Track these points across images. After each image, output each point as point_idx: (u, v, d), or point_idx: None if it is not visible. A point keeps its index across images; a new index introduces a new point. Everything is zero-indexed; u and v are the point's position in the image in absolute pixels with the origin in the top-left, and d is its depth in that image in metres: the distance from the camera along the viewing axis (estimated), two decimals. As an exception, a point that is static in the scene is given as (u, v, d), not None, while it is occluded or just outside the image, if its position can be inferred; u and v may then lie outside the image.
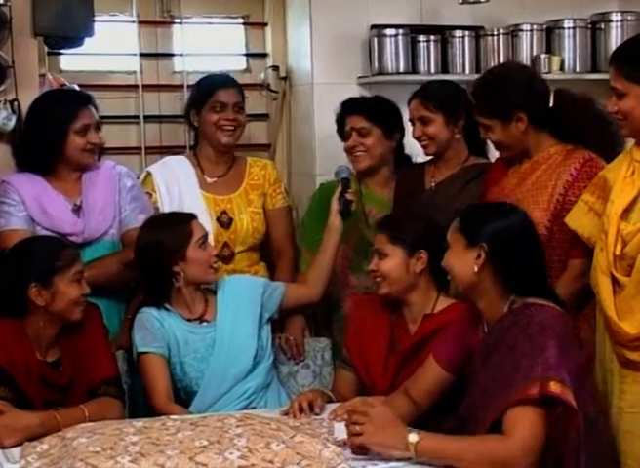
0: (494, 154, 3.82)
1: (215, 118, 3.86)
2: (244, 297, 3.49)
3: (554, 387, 2.55)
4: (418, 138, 3.79)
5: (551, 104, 3.32)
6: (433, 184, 3.82)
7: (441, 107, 3.72)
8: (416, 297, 3.27)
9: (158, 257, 3.34)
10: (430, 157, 3.87)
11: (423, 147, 3.80)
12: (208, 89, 3.88)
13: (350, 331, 3.42)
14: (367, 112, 3.91)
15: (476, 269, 2.77)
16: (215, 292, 3.50)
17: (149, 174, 3.92)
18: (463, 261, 2.80)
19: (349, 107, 3.98)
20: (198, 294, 3.45)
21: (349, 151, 3.94)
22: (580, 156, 3.27)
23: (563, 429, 2.60)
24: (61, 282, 3.08)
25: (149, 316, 3.37)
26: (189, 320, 3.42)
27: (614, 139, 3.25)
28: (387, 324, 3.32)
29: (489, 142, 3.82)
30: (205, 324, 3.44)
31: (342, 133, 3.99)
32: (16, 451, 2.75)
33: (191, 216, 3.43)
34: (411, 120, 3.82)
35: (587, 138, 3.31)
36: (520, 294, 2.76)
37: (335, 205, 3.63)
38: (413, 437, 2.56)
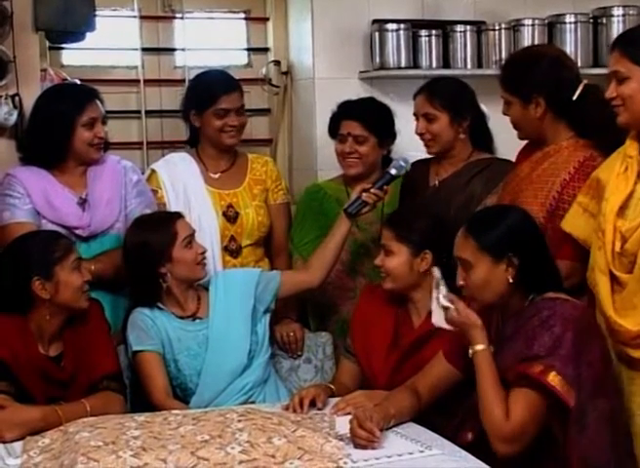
0: (500, 152, 3.83)
1: (219, 124, 3.84)
2: (236, 292, 3.48)
3: (552, 378, 2.61)
4: (420, 135, 3.76)
5: (576, 96, 3.25)
6: (437, 182, 3.80)
7: (447, 106, 3.68)
8: (420, 295, 3.29)
9: (144, 259, 3.35)
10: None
11: (426, 146, 3.77)
12: (211, 95, 3.83)
13: (356, 319, 3.43)
14: (365, 120, 3.85)
15: (511, 280, 2.77)
16: (208, 289, 3.50)
17: (153, 171, 3.91)
18: (494, 276, 2.78)
19: (347, 111, 3.91)
20: (190, 292, 3.45)
21: (343, 155, 3.89)
22: (581, 155, 3.22)
23: (551, 422, 2.67)
24: (62, 271, 3.09)
25: (141, 315, 3.38)
26: (182, 317, 3.43)
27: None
28: (393, 317, 3.34)
29: (495, 139, 3.84)
30: (198, 321, 3.44)
31: (334, 132, 3.95)
32: (17, 446, 2.76)
33: (176, 216, 3.43)
34: (415, 115, 3.78)
35: (605, 137, 3.22)
36: (539, 292, 2.79)
37: (354, 193, 3.58)
38: (480, 346, 2.73)
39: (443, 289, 2.83)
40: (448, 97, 3.70)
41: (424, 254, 3.25)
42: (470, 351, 2.75)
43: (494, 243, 2.77)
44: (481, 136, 3.79)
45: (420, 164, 3.90)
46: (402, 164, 3.60)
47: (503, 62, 3.53)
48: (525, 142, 3.51)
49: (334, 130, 3.95)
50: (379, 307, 3.37)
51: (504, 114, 3.38)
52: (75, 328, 3.18)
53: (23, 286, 3.07)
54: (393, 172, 3.58)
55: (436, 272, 2.86)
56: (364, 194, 3.53)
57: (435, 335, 3.16)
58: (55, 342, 3.15)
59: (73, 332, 3.17)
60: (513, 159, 3.59)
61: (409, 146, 3.99)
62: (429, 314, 3.24)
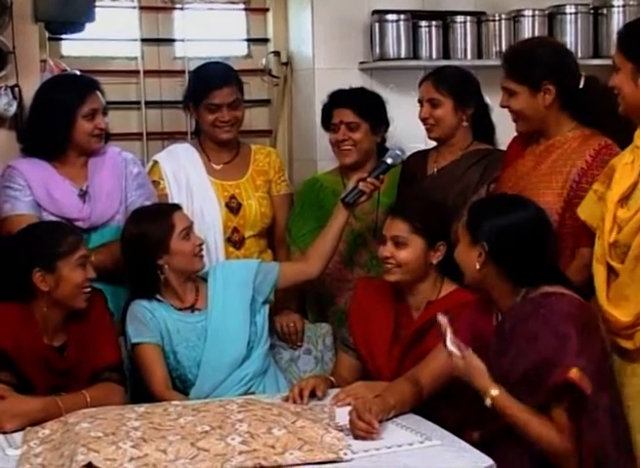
0: (501, 143, 3.83)
1: (211, 119, 3.84)
2: (235, 283, 3.48)
3: (573, 373, 2.59)
4: (423, 120, 3.77)
5: (581, 86, 3.28)
6: (435, 170, 3.81)
7: (452, 92, 3.71)
8: (424, 286, 3.28)
9: (142, 251, 3.35)
10: (433, 143, 3.86)
11: (427, 130, 3.78)
12: (202, 89, 3.84)
13: (354, 314, 3.42)
14: (356, 106, 3.88)
15: (478, 266, 2.79)
16: (207, 280, 3.50)
17: (156, 162, 3.92)
18: (468, 257, 2.84)
19: (338, 100, 3.95)
20: (188, 284, 3.45)
21: (337, 144, 3.91)
22: (595, 143, 3.22)
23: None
24: (65, 267, 3.09)
25: (140, 307, 3.38)
26: (180, 309, 3.43)
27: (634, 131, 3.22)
28: (392, 310, 3.32)
29: (497, 130, 3.84)
30: (196, 312, 3.44)
31: (327, 124, 3.98)
32: (17, 436, 2.76)
33: (174, 208, 3.43)
34: (420, 101, 3.80)
35: (609, 127, 3.26)
36: (531, 286, 2.78)
37: (351, 182, 3.58)
38: (494, 391, 2.65)
39: (449, 333, 2.77)
40: (453, 83, 3.73)
41: (439, 246, 3.24)
42: (488, 401, 2.67)
43: (475, 225, 2.81)
44: (483, 127, 3.80)
45: (418, 154, 3.92)
46: (398, 153, 3.61)
47: (506, 53, 3.49)
48: (513, 136, 3.53)
49: (326, 121, 3.98)
50: (376, 300, 3.36)
51: (503, 106, 3.37)
52: (79, 318, 3.18)
53: (25, 276, 3.07)
54: (389, 161, 3.59)
55: (442, 319, 2.79)
56: (361, 183, 3.53)
57: (436, 325, 3.16)
58: (58, 333, 3.16)
59: (77, 324, 3.18)
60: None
61: (409, 137, 4.00)
62: (428, 304, 3.25)
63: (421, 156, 3.89)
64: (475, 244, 2.80)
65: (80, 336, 3.17)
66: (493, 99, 3.69)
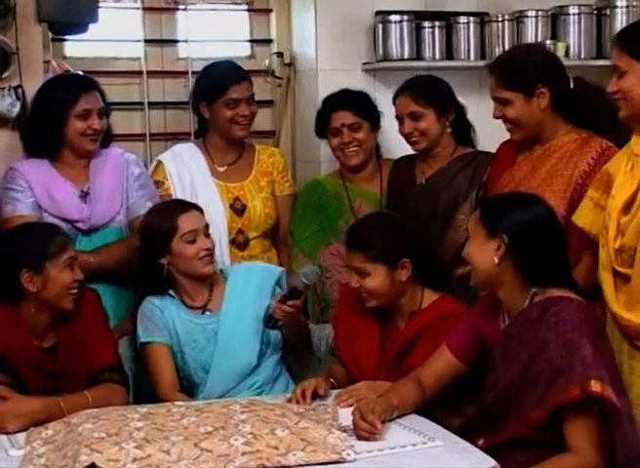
0: (482, 145, 3.84)
1: (230, 114, 3.85)
2: (253, 288, 3.45)
3: (594, 386, 2.56)
4: (407, 135, 3.77)
5: (572, 87, 3.30)
6: (424, 180, 3.82)
7: (432, 102, 3.72)
8: (403, 301, 3.23)
9: (147, 246, 3.36)
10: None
11: (413, 143, 3.79)
12: (220, 85, 3.85)
13: (340, 326, 3.37)
14: (355, 107, 3.91)
15: (496, 260, 2.76)
16: (226, 279, 3.47)
17: (160, 163, 3.92)
18: (483, 252, 2.79)
19: (335, 103, 3.96)
20: (200, 284, 3.42)
21: (340, 147, 3.93)
22: (597, 145, 3.22)
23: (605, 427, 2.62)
24: (53, 268, 3.07)
25: (151, 306, 3.37)
26: (192, 308, 3.41)
27: (626, 130, 3.19)
28: (378, 324, 3.28)
29: (477, 130, 3.86)
30: (208, 313, 3.42)
31: (323, 130, 3.99)
32: (21, 437, 2.76)
33: (184, 210, 3.38)
34: (399, 117, 3.80)
35: (602, 127, 3.27)
36: (541, 286, 2.77)
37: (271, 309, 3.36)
38: None
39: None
40: (431, 93, 3.75)
41: (403, 263, 3.17)
42: None
43: (492, 219, 2.79)
44: (461, 129, 3.83)
45: (404, 160, 3.93)
46: (304, 280, 3.32)
47: (494, 64, 3.47)
48: (502, 142, 3.54)
49: (322, 127, 4.00)
50: (360, 312, 3.28)
51: (497, 117, 3.37)
52: (69, 319, 3.16)
53: (13, 276, 3.06)
54: (300, 285, 3.33)
55: None
56: (277, 311, 3.31)
57: (422, 336, 3.14)
58: (48, 334, 3.14)
59: (66, 324, 3.16)
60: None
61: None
62: (411, 315, 3.22)
63: (408, 162, 3.91)
64: (493, 237, 2.77)
65: (71, 337, 3.15)
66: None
